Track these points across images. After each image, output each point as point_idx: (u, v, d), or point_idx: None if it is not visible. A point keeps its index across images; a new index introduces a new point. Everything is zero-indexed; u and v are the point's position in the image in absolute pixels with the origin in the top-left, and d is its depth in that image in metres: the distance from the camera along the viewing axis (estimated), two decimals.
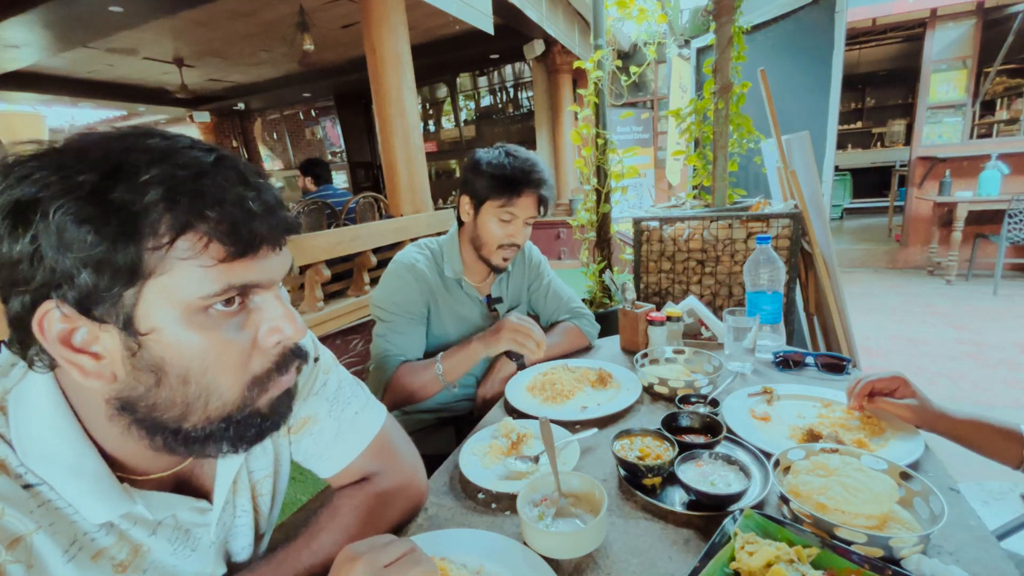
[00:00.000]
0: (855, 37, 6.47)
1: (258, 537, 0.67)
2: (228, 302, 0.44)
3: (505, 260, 1.28)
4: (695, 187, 2.52)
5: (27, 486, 0.44)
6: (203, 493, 0.58)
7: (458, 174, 10.16)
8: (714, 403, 1.00)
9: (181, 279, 0.41)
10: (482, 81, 9.23)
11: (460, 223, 1.33)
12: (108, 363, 0.43)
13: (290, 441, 0.70)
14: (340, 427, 0.71)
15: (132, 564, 0.49)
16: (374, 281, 2.93)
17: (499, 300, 1.40)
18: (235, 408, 0.48)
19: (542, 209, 1.28)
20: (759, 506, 0.70)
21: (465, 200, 1.27)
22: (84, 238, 0.38)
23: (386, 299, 1.23)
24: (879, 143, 8.15)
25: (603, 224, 2.61)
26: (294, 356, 0.51)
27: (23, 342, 0.43)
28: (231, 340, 0.45)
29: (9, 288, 0.41)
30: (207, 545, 0.57)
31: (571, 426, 0.99)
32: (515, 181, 1.20)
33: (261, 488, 0.65)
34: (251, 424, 0.49)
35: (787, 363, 1.19)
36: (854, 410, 0.90)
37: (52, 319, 0.40)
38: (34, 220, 0.38)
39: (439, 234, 1.50)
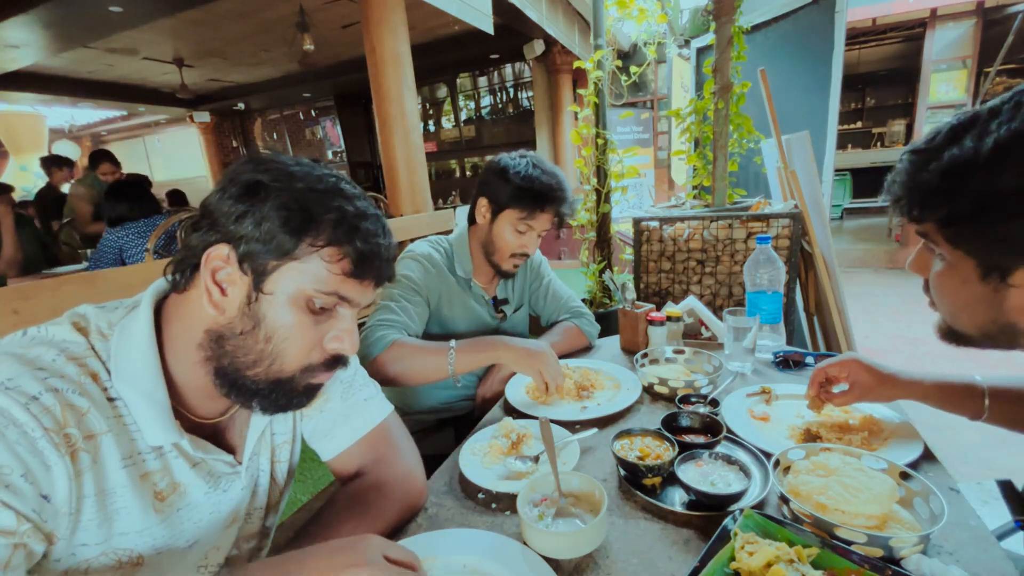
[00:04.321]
0: (855, 37, 6.48)
1: (271, 506, 0.74)
2: (324, 304, 0.58)
3: (515, 267, 1.29)
4: (695, 187, 2.52)
5: (111, 399, 0.54)
6: (230, 450, 0.67)
7: (458, 174, 10.15)
8: (714, 403, 1.00)
9: (311, 271, 0.56)
10: (482, 81, 9.23)
11: (470, 222, 1.32)
12: (228, 301, 0.56)
13: (302, 415, 0.77)
14: (348, 409, 0.78)
15: (169, 498, 0.59)
16: None
17: (505, 301, 1.40)
18: (286, 378, 0.59)
19: (556, 222, 1.26)
20: (759, 506, 0.70)
21: (483, 203, 1.25)
22: (277, 219, 0.53)
23: (399, 275, 1.21)
24: (879, 143, 8.15)
25: (603, 224, 2.62)
26: (338, 362, 0.63)
27: (183, 262, 0.57)
28: (310, 328, 0.58)
29: (207, 227, 0.56)
30: (239, 488, 0.67)
31: (571, 426, 0.99)
32: (541, 196, 1.19)
33: (280, 454, 0.74)
34: (287, 394, 0.61)
35: (787, 363, 1.19)
36: (814, 408, 0.90)
37: (218, 255, 0.55)
38: (259, 195, 0.54)
39: (440, 233, 1.49)
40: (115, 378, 0.55)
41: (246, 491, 0.68)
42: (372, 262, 0.58)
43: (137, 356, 0.56)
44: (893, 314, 4.00)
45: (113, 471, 0.53)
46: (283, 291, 0.56)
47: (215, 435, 0.66)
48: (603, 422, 1.00)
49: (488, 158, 1.20)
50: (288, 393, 0.60)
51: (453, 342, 1.11)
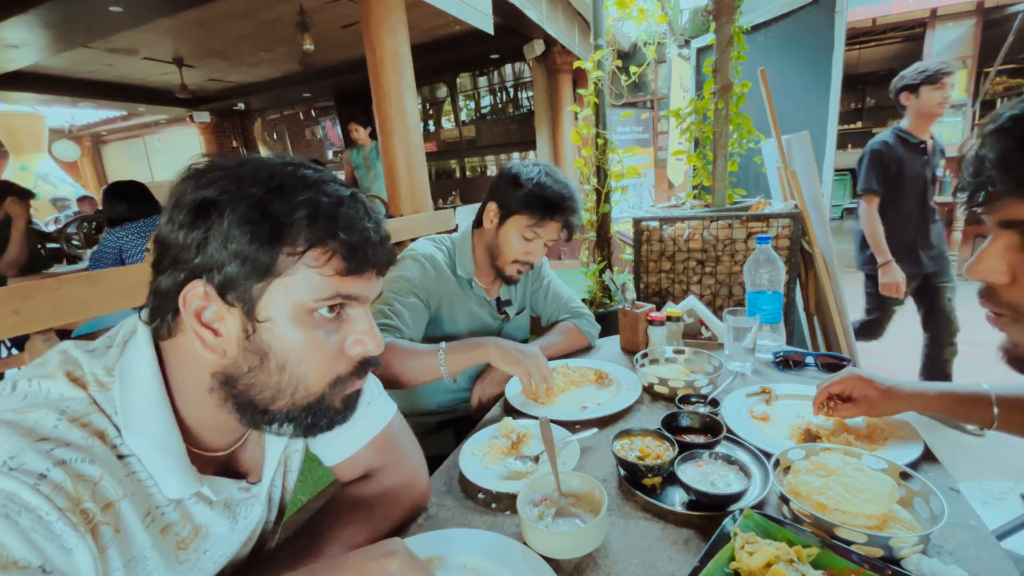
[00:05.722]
0: (855, 37, 6.48)
1: (281, 512, 0.72)
2: (330, 309, 0.52)
3: (519, 273, 1.28)
4: (695, 187, 2.52)
5: (121, 456, 0.49)
6: (241, 473, 0.63)
7: (458, 174, 10.15)
8: (714, 403, 1.00)
9: (302, 282, 0.50)
10: (482, 81, 9.23)
11: (476, 225, 1.32)
12: (224, 341, 0.50)
13: None
14: None
15: (192, 543, 0.55)
16: None
17: (508, 303, 1.40)
18: (315, 399, 0.55)
19: (565, 234, 1.26)
20: (759, 506, 0.70)
21: (492, 207, 1.25)
22: (243, 236, 0.47)
23: (397, 276, 1.20)
24: None
25: (603, 224, 2.61)
26: (369, 364, 0.58)
27: (159, 309, 0.51)
28: (324, 341, 0.53)
29: (170, 265, 0.49)
30: (259, 511, 0.64)
31: (571, 426, 0.99)
32: (551, 205, 1.19)
33: (292, 463, 0.71)
34: (325, 415, 0.56)
35: (787, 363, 1.19)
36: (823, 414, 0.90)
37: (194, 295, 0.49)
38: (212, 216, 0.47)
39: (442, 233, 1.48)
40: (126, 433, 0.50)
41: (263, 509, 0.66)
42: (364, 251, 0.52)
43: (145, 406, 0.51)
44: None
45: (137, 534, 0.49)
46: (280, 312, 0.50)
47: (227, 463, 0.62)
48: (603, 422, 1.00)
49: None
50: (326, 412, 0.56)
51: (443, 344, 1.10)
